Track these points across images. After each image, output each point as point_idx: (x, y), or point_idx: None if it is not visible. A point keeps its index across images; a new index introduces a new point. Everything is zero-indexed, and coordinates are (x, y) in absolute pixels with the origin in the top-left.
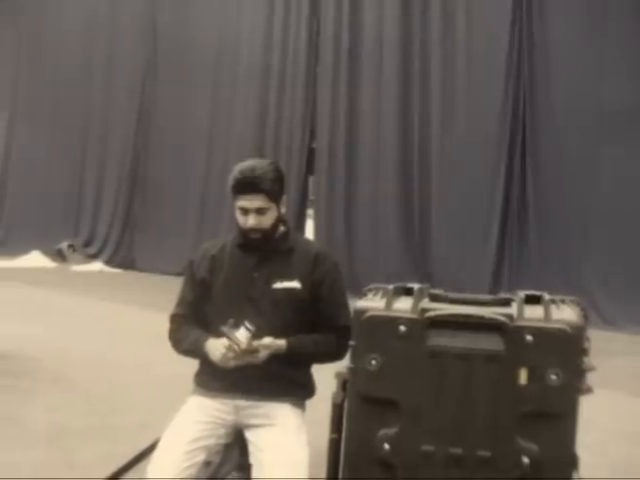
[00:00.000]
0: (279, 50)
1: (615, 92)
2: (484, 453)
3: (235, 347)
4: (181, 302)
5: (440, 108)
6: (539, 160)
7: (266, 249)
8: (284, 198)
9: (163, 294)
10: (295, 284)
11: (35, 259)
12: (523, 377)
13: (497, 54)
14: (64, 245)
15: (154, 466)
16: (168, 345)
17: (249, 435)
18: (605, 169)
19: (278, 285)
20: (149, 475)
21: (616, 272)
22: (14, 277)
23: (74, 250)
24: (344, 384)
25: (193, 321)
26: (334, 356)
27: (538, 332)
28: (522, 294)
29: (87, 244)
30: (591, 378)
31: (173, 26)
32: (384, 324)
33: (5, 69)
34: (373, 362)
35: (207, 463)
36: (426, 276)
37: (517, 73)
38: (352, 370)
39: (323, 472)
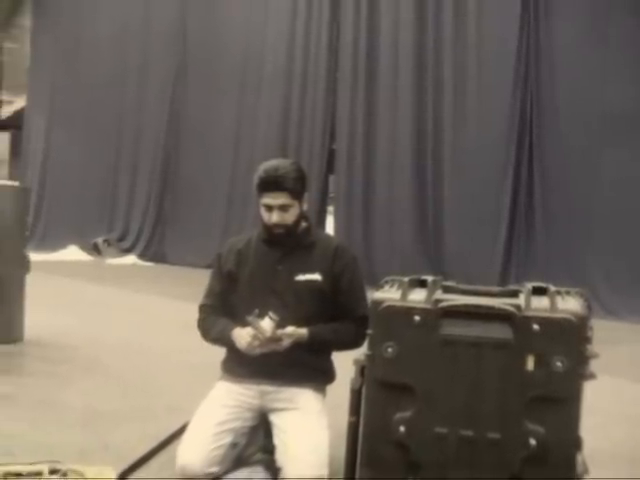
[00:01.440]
0: (301, 56)
1: (618, 96)
2: (494, 435)
3: (260, 336)
4: (209, 293)
5: (452, 112)
6: (545, 162)
7: (289, 244)
8: (306, 196)
9: (192, 286)
10: (316, 276)
11: (72, 253)
12: (530, 364)
13: (506, 57)
14: (99, 240)
15: (184, 447)
16: (197, 333)
17: (273, 418)
18: (608, 170)
19: (300, 277)
20: (179, 456)
21: (619, 268)
22: (53, 270)
23: (109, 245)
24: (362, 370)
25: (220, 311)
26: (353, 344)
27: (544, 321)
28: (529, 286)
29: (121, 239)
30: (594, 365)
31: (202, 33)
32: (400, 314)
33: (43, 75)
34: (389, 350)
35: (234, 444)
36: (439, 274)
37: (525, 77)
38: (370, 357)
39: (343, 453)
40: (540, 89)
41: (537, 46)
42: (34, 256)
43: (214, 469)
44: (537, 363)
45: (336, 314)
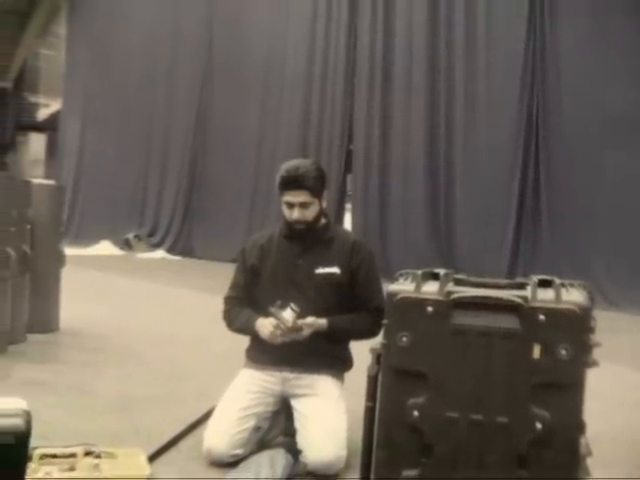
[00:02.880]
0: (321, 59)
1: (619, 100)
2: (502, 419)
3: (282, 326)
4: (234, 286)
5: (463, 114)
6: (550, 164)
7: (309, 239)
8: (325, 193)
9: (218, 279)
10: (335, 270)
11: (105, 248)
12: (536, 352)
13: (514, 61)
14: (130, 235)
15: (210, 431)
16: (222, 324)
17: (294, 403)
18: (609, 170)
19: (320, 271)
20: (206, 439)
21: (619, 263)
22: (86, 264)
23: (139, 240)
24: (378, 358)
25: (244, 302)
26: (369, 334)
27: (550, 312)
28: (535, 278)
29: (151, 234)
30: (596, 353)
31: (228, 38)
32: (414, 305)
33: (78, 80)
34: (404, 339)
35: (257, 428)
36: (450, 268)
37: (531, 82)
38: (385, 346)
39: (360, 436)
40: (546, 93)
41: (543, 50)
42: (69, 251)
43: (238, 451)
44: (543, 351)
45: (353, 305)
